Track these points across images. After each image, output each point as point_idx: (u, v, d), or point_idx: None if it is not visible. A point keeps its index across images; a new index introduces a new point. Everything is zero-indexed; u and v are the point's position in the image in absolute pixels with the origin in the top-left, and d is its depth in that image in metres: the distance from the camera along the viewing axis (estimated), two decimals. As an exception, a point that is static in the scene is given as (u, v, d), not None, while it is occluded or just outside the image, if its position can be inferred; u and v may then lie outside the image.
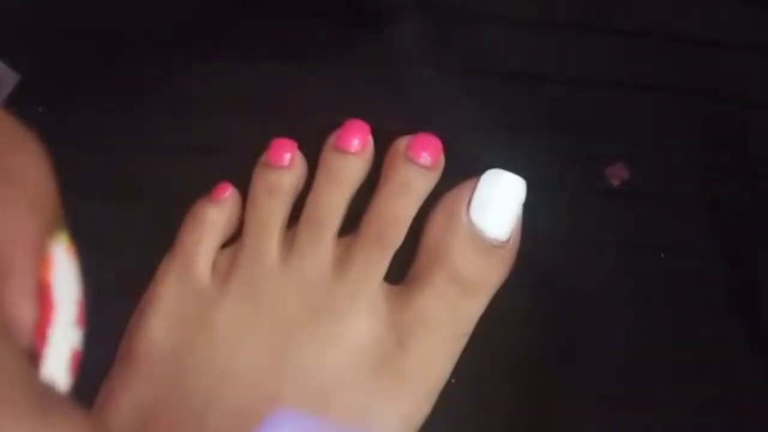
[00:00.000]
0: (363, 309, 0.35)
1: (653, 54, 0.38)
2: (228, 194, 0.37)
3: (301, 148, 0.37)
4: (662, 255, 0.37)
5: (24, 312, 0.19)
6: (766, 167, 0.38)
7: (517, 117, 0.38)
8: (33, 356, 0.20)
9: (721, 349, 0.36)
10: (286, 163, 0.36)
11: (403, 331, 0.35)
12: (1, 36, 0.38)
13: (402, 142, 0.37)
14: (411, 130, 0.37)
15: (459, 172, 0.37)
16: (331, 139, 0.37)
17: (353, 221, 0.37)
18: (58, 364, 0.21)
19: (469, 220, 0.35)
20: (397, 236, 0.35)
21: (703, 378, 0.36)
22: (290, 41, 0.39)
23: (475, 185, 0.36)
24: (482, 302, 0.36)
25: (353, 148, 0.36)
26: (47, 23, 0.39)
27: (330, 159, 0.37)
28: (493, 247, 0.35)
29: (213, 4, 0.39)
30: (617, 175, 0.37)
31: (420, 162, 0.36)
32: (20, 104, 0.38)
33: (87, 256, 0.36)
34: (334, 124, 0.37)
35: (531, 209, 0.36)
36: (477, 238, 0.35)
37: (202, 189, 0.37)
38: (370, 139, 0.37)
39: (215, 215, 0.37)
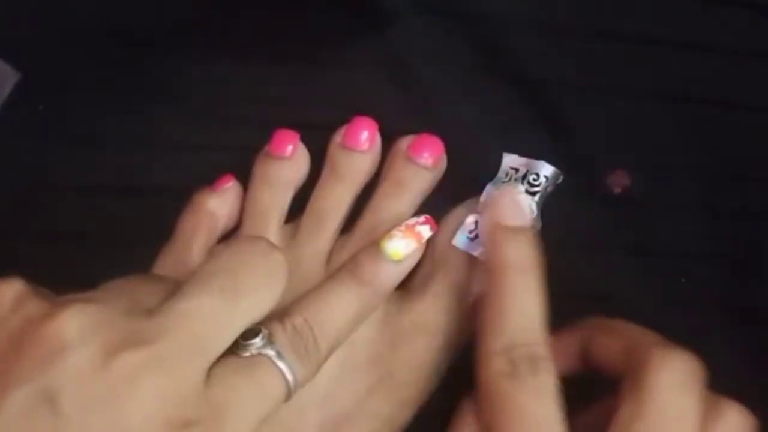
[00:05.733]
0: None
1: (653, 60, 0.38)
2: (229, 186, 0.37)
3: (304, 143, 0.37)
4: (663, 260, 0.37)
5: None
6: (764, 171, 0.38)
7: (518, 120, 0.38)
8: None
9: (721, 355, 0.36)
10: (287, 154, 0.36)
11: (396, 334, 0.35)
12: (1, 35, 0.38)
13: (403, 142, 0.36)
14: (413, 129, 0.37)
15: (458, 173, 0.37)
16: (338, 135, 0.37)
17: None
18: None
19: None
20: None
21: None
22: (291, 41, 0.39)
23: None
24: None
25: (360, 145, 0.36)
26: (47, 22, 0.39)
27: (336, 155, 0.37)
28: None
29: (214, 4, 0.39)
30: (619, 181, 0.37)
31: (420, 162, 0.36)
32: (20, 103, 0.38)
33: (87, 252, 0.36)
34: (338, 121, 0.37)
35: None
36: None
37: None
38: (377, 136, 0.37)
39: (214, 205, 0.37)
